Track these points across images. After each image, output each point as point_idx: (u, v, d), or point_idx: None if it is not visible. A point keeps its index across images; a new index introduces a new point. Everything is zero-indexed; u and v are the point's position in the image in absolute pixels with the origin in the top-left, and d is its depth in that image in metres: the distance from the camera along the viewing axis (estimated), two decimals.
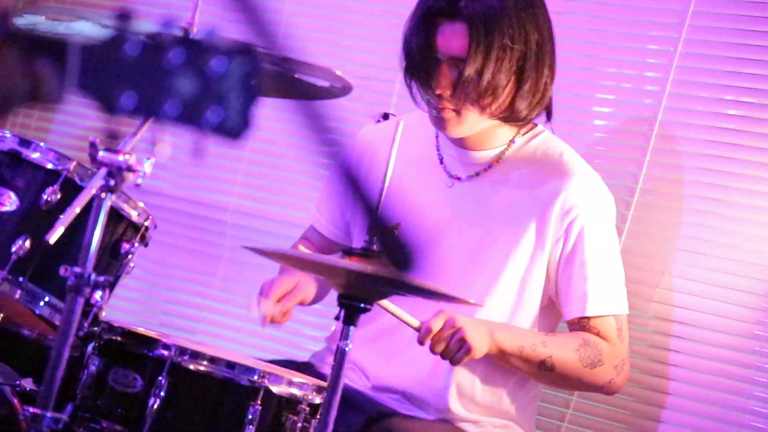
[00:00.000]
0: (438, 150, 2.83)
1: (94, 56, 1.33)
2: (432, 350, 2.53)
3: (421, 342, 2.52)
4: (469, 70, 2.57)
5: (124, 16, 1.32)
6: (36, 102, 1.38)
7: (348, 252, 2.28)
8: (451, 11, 2.58)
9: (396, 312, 2.51)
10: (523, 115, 2.66)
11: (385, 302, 2.45)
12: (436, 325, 2.51)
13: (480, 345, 2.54)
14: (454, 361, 2.54)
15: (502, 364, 2.67)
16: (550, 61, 2.66)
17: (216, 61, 1.28)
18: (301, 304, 2.70)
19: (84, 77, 1.33)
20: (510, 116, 2.66)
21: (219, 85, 1.28)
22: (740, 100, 3.14)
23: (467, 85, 2.57)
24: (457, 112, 2.64)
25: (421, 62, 2.64)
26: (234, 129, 1.30)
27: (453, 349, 2.52)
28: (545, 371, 2.65)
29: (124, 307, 3.96)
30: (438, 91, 2.62)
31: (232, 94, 1.29)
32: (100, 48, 1.32)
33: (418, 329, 2.53)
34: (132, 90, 1.31)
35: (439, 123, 2.68)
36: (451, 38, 2.60)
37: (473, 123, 2.66)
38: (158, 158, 1.63)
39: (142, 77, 1.30)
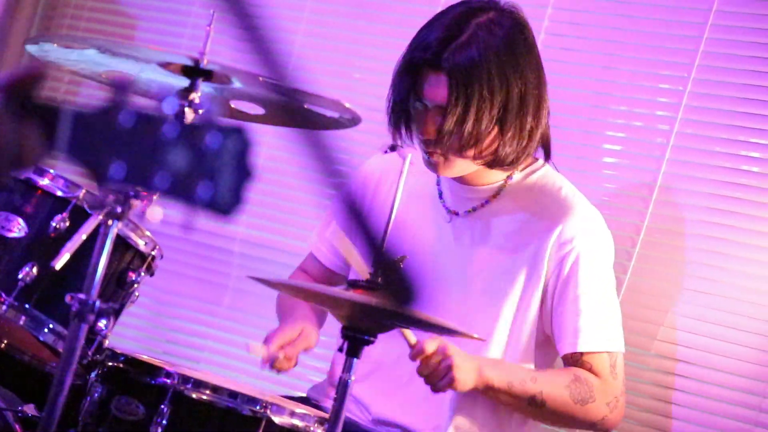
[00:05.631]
0: (438, 185, 2.84)
1: (86, 123, 1.33)
2: (418, 371, 2.53)
3: (412, 358, 2.52)
4: (449, 121, 2.59)
5: (121, 85, 1.32)
6: (20, 166, 1.38)
7: (352, 284, 2.28)
8: (435, 62, 2.61)
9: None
10: (510, 160, 2.67)
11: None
12: (429, 348, 2.51)
13: (465, 378, 2.54)
14: (436, 388, 2.54)
15: (492, 400, 2.67)
16: (536, 109, 2.66)
17: (210, 137, 1.29)
18: (305, 350, 2.70)
19: (74, 144, 1.33)
20: (496, 161, 2.67)
21: (212, 161, 1.29)
22: (750, 141, 3.14)
23: (449, 135, 2.59)
24: (445, 156, 2.65)
25: (406, 109, 2.66)
26: (224, 206, 1.30)
27: (438, 375, 2.52)
28: (535, 407, 2.64)
29: (129, 334, 3.96)
30: (425, 137, 2.64)
31: (224, 171, 1.29)
32: (93, 116, 1.32)
33: (412, 347, 2.53)
34: (122, 160, 1.31)
35: (430, 165, 2.70)
36: (435, 87, 2.62)
37: (462, 167, 2.68)
38: (150, 222, 1.64)
39: (133, 148, 1.30)
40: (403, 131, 2.70)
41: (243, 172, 1.30)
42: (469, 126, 2.58)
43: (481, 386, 2.59)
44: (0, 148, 1.34)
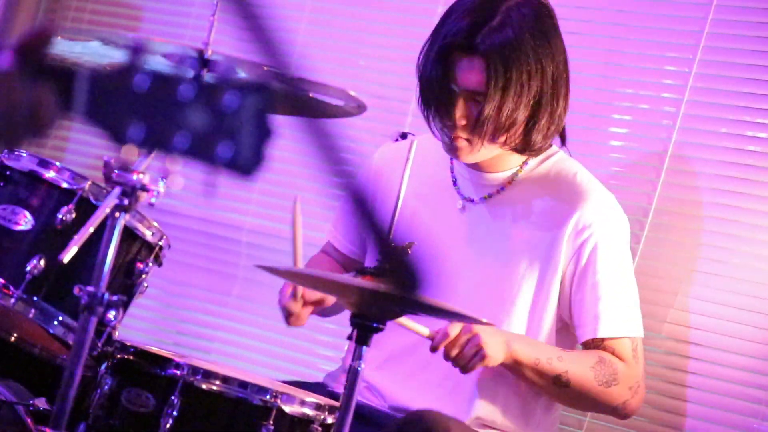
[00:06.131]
0: (452, 172, 2.83)
1: (104, 85, 1.32)
2: (446, 356, 2.52)
3: (435, 348, 2.52)
4: (489, 108, 2.56)
5: (136, 48, 1.31)
6: (36, 127, 1.37)
7: (361, 271, 2.28)
8: (469, 46, 2.58)
9: (404, 322, 2.51)
10: (538, 146, 2.66)
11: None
12: (454, 331, 2.51)
13: (495, 353, 2.54)
14: (467, 368, 2.53)
15: (516, 376, 2.66)
16: (565, 92, 2.66)
17: (229, 96, 1.28)
18: (320, 304, 2.67)
19: (92, 106, 1.32)
20: (525, 147, 2.66)
21: (231, 120, 1.28)
22: (757, 122, 3.13)
23: (486, 121, 2.58)
24: (470, 141, 2.64)
25: (438, 93, 2.64)
26: (245, 166, 1.29)
27: (468, 354, 2.52)
28: (560, 387, 2.64)
29: (138, 326, 3.96)
30: (456, 123, 2.62)
31: (244, 130, 1.28)
32: (110, 77, 1.32)
33: (430, 337, 2.52)
34: (141, 122, 1.30)
35: (452, 150, 2.68)
36: (470, 73, 2.59)
37: (485, 152, 2.66)
38: (171, 189, 1.63)
39: (152, 109, 1.30)
40: (433, 116, 2.68)
41: (263, 131, 1.29)
42: (506, 112, 2.57)
43: (509, 361, 2.59)
44: (16, 110, 1.34)
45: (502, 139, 2.62)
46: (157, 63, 1.35)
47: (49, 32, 1.38)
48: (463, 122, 2.61)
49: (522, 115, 2.59)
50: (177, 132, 1.28)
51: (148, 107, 1.29)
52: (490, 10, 2.60)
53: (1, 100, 1.32)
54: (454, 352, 2.52)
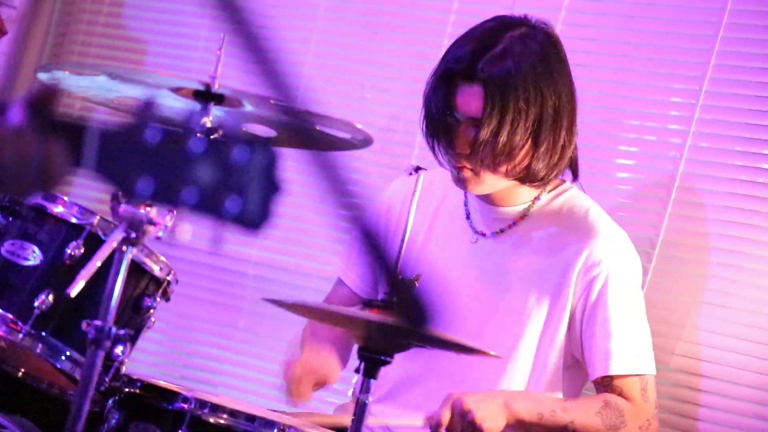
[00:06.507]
0: (465, 205, 2.83)
1: (112, 140, 1.33)
2: None
3: None
4: (484, 132, 2.57)
5: (147, 104, 1.32)
6: (46, 183, 1.38)
7: (368, 303, 2.28)
8: (469, 74, 2.60)
9: (393, 421, 2.50)
10: (541, 175, 2.66)
11: (379, 416, 2.44)
12: (445, 416, 2.49)
13: (494, 422, 2.51)
14: None
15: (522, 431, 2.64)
16: (569, 124, 2.66)
17: (237, 151, 1.28)
18: (323, 386, 2.68)
19: (101, 161, 1.33)
20: (528, 177, 2.66)
21: (239, 175, 1.28)
22: (764, 153, 3.13)
23: (483, 146, 2.58)
24: (475, 172, 2.64)
25: (440, 122, 2.65)
26: (254, 220, 1.29)
27: None
28: None
29: (145, 359, 3.96)
30: (457, 150, 2.63)
31: (252, 185, 1.28)
32: (118, 132, 1.32)
33: (427, 424, 2.51)
34: (149, 176, 1.31)
35: (459, 181, 2.69)
36: (469, 99, 2.60)
37: (492, 183, 2.66)
38: (179, 240, 1.63)
39: (160, 164, 1.30)
40: (437, 147, 2.69)
41: (271, 186, 1.29)
42: (503, 138, 2.57)
43: (512, 421, 2.56)
44: (26, 166, 1.34)
45: (504, 168, 2.62)
46: (165, 113, 1.34)
47: (53, 91, 1.39)
48: (465, 150, 2.61)
49: (520, 141, 2.59)
50: (185, 186, 1.29)
51: (156, 161, 1.30)
52: (494, 38, 2.61)
53: (12, 154, 1.33)
54: None
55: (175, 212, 1.65)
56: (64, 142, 1.34)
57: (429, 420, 2.50)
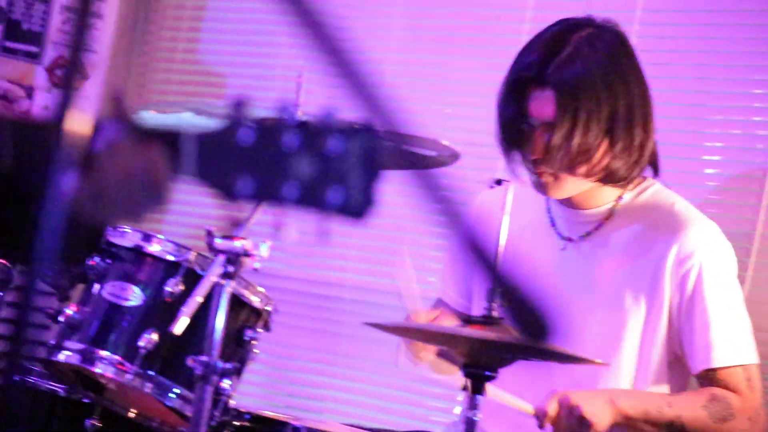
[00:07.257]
0: (549, 213, 2.81)
1: (209, 145, 1.33)
2: None
3: (540, 427, 2.49)
4: (557, 136, 2.57)
5: (238, 104, 1.33)
6: (156, 196, 1.39)
7: (468, 320, 2.27)
8: (540, 79, 2.59)
9: (508, 400, 2.49)
10: (622, 174, 2.64)
11: (494, 391, 2.42)
12: (551, 407, 2.48)
13: (601, 418, 2.50)
14: None
15: (629, 429, 2.61)
16: (644, 120, 2.63)
17: (333, 141, 1.28)
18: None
19: (200, 166, 1.34)
20: (608, 177, 2.64)
21: (338, 165, 1.28)
22: None
23: (557, 150, 2.57)
24: (555, 176, 2.63)
25: (515, 129, 2.64)
26: (358, 208, 1.29)
27: (574, 428, 2.48)
28: None
29: (249, 391, 3.98)
30: (533, 156, 2.62)
31: (352, 174, 1.28)
32: (215, 136, 1.33)
33: (536, 415, 2.50)
34: (249, 176, 1.31)
35: (540, 187, 2.68)
36: (542, 104, 2.60)
37: (573, 185, 2.65)
38: (285, 242, 1.63)
39: (258, 162, 1.30)
40: (513, 154, 2.69)
41: (372, 172, 1.29)
42: (577, 139, 2.56)
43: (619, 419, 2.54)
44: (133, 180, 1.35)
45: (582, 169, 2.61)
46: (258, 113, 1.35)
47: (124, 95, 1.41)
48: (543, 155, 2.60)
49: (595, 142, 2.58)
50: (285, 182, 1.29)
51: (254, 160, 1.30)
52: (561, 42, 2.61)
53: (118, 172, 1.34)
54: (560, 430, 2.49)
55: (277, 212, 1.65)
56: (163, 152, 1.34)
57: (537, 410, 2.50)
